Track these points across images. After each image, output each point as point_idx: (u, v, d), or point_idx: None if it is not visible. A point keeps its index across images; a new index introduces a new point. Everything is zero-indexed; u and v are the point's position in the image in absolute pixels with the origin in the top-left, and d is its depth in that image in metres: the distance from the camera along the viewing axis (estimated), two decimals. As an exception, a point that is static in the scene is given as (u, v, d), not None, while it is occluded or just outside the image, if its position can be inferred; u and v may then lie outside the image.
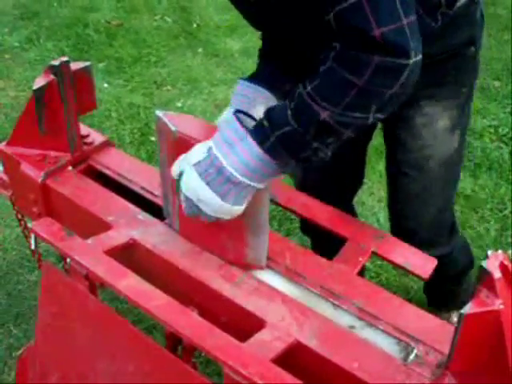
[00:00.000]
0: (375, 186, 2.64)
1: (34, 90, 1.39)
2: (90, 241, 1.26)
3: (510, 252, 2.34)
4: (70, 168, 1.51)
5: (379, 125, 1.55)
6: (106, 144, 1.59)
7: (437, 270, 1.32)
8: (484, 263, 0.92)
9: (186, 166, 1.11)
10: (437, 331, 1.13)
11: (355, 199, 1.91)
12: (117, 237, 1.30)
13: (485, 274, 0.92)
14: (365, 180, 2.53)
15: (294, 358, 1.09)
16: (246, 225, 1.20)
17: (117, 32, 3.89)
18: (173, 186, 1.23)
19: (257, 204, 1.16)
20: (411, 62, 0.96)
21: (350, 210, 1.68)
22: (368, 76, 0.97)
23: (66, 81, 1.42)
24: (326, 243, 1.44)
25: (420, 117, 1.37)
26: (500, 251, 0.94)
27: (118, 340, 1.22)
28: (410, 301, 2.05)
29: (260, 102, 1.26)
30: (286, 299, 1.18)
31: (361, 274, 1.36)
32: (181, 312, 1.12)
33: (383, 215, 2.51)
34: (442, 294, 1.93)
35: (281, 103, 1.09)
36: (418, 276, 1.31)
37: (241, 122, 1.08)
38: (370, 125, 1.08)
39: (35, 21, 3.99)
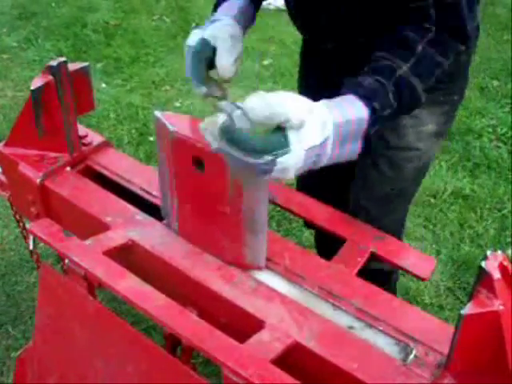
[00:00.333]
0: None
1: (32, 91, 1.39)
2: (88, 241, 1.26)
3: (509, 251, 2.34)
4: (68, 168, 1.50)
5: None
6: (105, 144, 1.59)
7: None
8: (483, 264, 0.92)
9: (294, 144, 1.01)
10: (436, 332, 1.12)
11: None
12: (115, 237, 1.29)
13: (484, 274, 0.92)
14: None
15: (293, 358, 1.08)
16: (244, 224, 1.19)
17: (115, 32, 3.89)
18: (171, 185, 1.23)
19: (255, 203, 1.16)
20: None
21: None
22: (451, 59, 1.14)
23: (64, 81, 1.42)
24: (329, 238, 1.42)
25: (408, 118, 1.36)
26: (499, 251, 0.94)
27: (117, 341, 1.21)
28: (409, 301, 2.06)
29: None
30: (285, 300, 1.18)
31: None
32: (180, 313, 1.12)
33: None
34: None
35: (372, 87, 1.07)
36: (417, 276, 1.31)
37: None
38: None
39: (33, 21, 3.99)
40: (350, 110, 1.02)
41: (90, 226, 1.36)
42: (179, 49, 3.69)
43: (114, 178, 1.51)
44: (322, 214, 1.41)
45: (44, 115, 1.43)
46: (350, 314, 1.17)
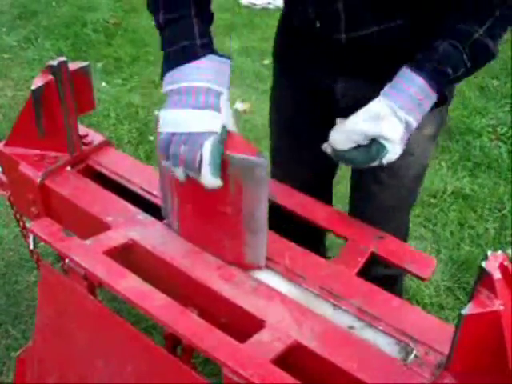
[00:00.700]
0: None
1: (32, 90, 1.39)
2: (88, 241, 1.26)
3: (509, 251, 2.34)
4: (68, 168, 1.50)
5: None
6: (105, 144, 1.59)
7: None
8: (484, 264, 0.92)
9: (388, 144, 1.13)
10: (436, 331, 1.13)
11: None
12: (116, 237, 1.29)
13: (484, 274, 0.92)
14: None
15: (293, 358, 1.08)
16: (244, 224, 1.19)
17: (115, 31, 3.89)
18: (172, 185, 1.23)
19: (255, 202, 1.16)
20: None
21: (327, 195, 1.69)
22: None
23: (65, 81, 1.42)
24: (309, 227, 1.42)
25: None
26: (500, 251, 0.94)
27: (117, 340, 1.21)
28: (409, 301, 2.06)
29: None
30: (285, 300, 1.18)
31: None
32: (180, 313, 1.12)
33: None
34: None
35: (444, 50, 1.14)
36: (417, 276, 1.31)
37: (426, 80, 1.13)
38: None
39: (33, 20, 3.98)
40: (411, 88, 1.12)
41: (91, 226, 1.36)
42: (179, 48, 3.70)
43: (115, 177, 1.51)
44: (322, 213, 1.41)
45: (44, 115, 1.43)
46: (350, 314, 1.17)
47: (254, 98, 3.24)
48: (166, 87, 1.15)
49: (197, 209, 1.24)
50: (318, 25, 1.29)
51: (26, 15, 4.04)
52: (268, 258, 1.27)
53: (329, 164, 1.54)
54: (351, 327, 1.15)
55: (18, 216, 1.70)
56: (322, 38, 1.31)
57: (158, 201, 1.42)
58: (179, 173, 1.11)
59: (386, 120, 1.11)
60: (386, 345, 1.11)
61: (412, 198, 1.58)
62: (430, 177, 2.73)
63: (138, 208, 1.40)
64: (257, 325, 1.12)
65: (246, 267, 1.25)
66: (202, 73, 1.12)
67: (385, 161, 1.15)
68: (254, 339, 1.08)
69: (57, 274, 1.31)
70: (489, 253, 0.94)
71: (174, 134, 1.10)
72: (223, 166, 1.10)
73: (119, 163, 1.55)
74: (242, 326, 1.15)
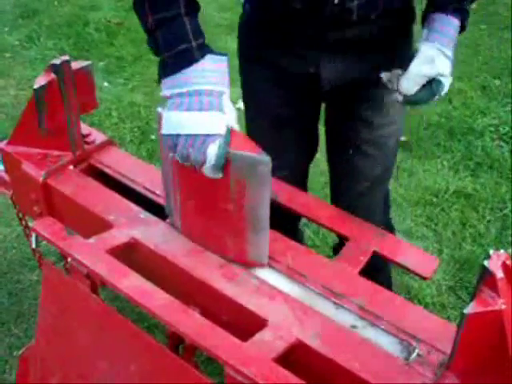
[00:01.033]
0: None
1: (35, 89, 1.39)
2: (91, 240, 1.26)
3: (510, 251, 2.34)
4: (71, 167, 1.51)
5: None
6: (108, 143, 1.59)
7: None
8: (486, 263, 0.92)
9: (444, 79, 1.29)
10: (439, 330, 1.13)
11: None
12: (118, 236, 1.30)
13: (487, 273, 0.92)
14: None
15: (295, 357, 1.09)
16: (247, 222, 1.20)
17: (117, 31, 3.89)
18: (174, 182, 1.23)
19: (257, 200, 1.16)
20: None
21: (303, 180, 1.72)
22: None
23: (67, 80, 1.42)
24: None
25: (388, 94, 1.42)
26: (502, 251, 0.94)
27: (120, 339, 1.22)
28: (411, 300, 2.06)
29: None
30: (287, 298, 1.18)
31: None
32: (182, 311, 1.12)
33: (384, 214, 2.51)
34: None
35: None
36: (419, 275, 1.31)
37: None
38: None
39: (36, 19, 3.99)
40: (445, 27, 1.29)
41: (93, 225, 1.37)
42: (181, 48, 3.70)
43: (117, 176, 1.51)
44: (324, 212, 1.41)
45: (47, 114, 1.43)
46: (352, 313, 1.17)
47: (256, 97, 3.24)
48: (168, 91, 1.17)
49: (199, 206, 1.25)
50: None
51: (28, 14, 4.04)
52: (270, 257, 1.27)
53: (311, 148, 1.65)
54: (353, 326, 1.15)
55: (20, 215, 1.70)
56: (307, 14, 1.32)
57: (160, 200, 1.42)
58: (187, 165, 1.14)
59: (438, 60, 1.27)
60: (388, 344, 1.12)
61: (393, 167, 1.65)
62: (432, 176, 2.73)
63: (140, 207, 1.40)
64: (259, 323, 1.12)
65: (249, 265, 1.25)
66: (204, 75, 1.13)
67: (442, 94, 1.31)
68: (256, 338, 1.08)
69: (59, 272, 1.32)
70: (491, 252, 0.94)
71: (178, 136, 1.12)
72: (227, 163, 1.12)
73: (122, 162, 1.55)
74: (245, 324, 1.15)
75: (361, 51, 1.37)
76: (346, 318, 1.16)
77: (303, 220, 1.76)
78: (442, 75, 1.28)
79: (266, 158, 1.12)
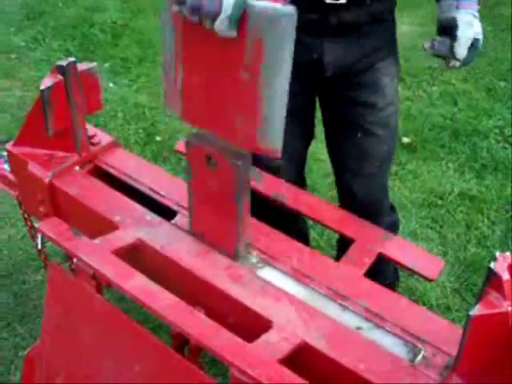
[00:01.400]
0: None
1: (42, 90, 1.39)
2: (97, 241, 1.27)
3: (515, 253, 2.33)
4: (77, 168, 1.51)
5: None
6: (113, 144, 1.60)
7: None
8: (492, 265, 0.92)
9: (480, 36, 1.44)
10: (444, 332, 1.13)
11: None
12: (124, 237, 1.30)
13: (493, 275, 0.92)
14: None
15: (300, 358, 1.09)
16: (261, 94, 1.02)
17: (122, 32, 3.90)
18: (177, 55, 1.10)
19: (277, 65, 0.99)
20: None
21: (302, 169, 1.77)
22: None
23: (73, 81, 1.43)
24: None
25: (384, 77, 1.56)
26: (508, 253, 0.94)
27: (125, 340, 1.22)
28: (416, 302, 2.06)
29: None
30: (293, 300, 1.18)
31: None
32: (188, 312, 1.12)
33: (389, 216, 2.51)
34: None
35: None
36: (424, 277, 1.31)
37: None
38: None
39: (41, 21, 4.00)
40: None
41: (99, 226, 1.37)
42: (186, 49, 3.71)
43: (123, 177, 1.52)
44: (330, 214, 1.41)
45: (53, 115, 1.44)
46: (357, 315, 1.17)
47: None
48: None
49: (205, 79, 1.09)
50: None
51: (34, 16, 4.05)
52: (275, 259, 1.28)
53: (309, 137, 1.72)
54: (359, 328, 1.15)
55: (25, 215, 1.70)
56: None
57: (165, 201, 1.42)
58: (194, 20, 1.03)
59: (475, 23, 1.44)
60: (394, 346, 1.11)
61: (396, 147, 1.75)
62: (437, 178, 2.72)
63: (145, 208, 1.40)
64: (264, 325, 1.12)
65: (259, 151, 1.09)
66: None
67: (480, 48, 1.46)
68: (261, 339, 1.08)
69: (65, 273, 1.32)
70: (497, 254, 0.94)
71: None
72: (242, 19, 0.98)
73: (127, 163, 1.56)
74: (250, 326, 1.15)
75: (358, 35, 1.49)
76: (351, 320, 1.16)
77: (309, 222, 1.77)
78: (478, 34, 1.45)
79: (290, 10, 0.96)
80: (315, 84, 1.60)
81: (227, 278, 1.22)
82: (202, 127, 1.16)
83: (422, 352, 1.09)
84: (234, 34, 1.00)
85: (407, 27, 3.75)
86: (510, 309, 0.91)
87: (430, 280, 1.32)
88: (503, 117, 3.14)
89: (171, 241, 1.30)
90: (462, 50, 1.44)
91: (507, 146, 2.96)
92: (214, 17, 0.99)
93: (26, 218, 1.72)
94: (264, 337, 1.09)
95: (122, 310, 1.24)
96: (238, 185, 1.16)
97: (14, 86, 3.36)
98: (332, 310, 1.18)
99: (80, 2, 4.23)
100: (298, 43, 1.41)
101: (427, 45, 1.45)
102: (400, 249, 1.34)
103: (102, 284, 1.25)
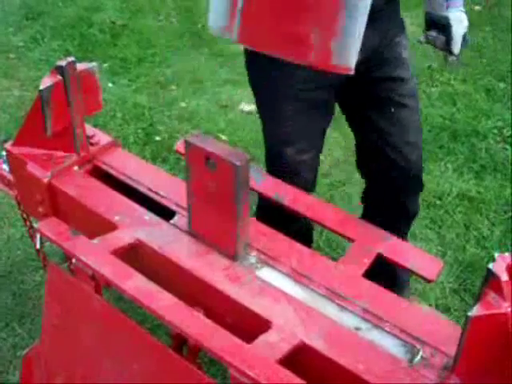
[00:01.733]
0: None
1: (41, 90, 1.39)
2: (95, 241, 1.27)
3: (514, 253, 2.33)
4: (75, 168, 1.51)
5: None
6: (112, 144, 1.60)
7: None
8: (491, 266, 0.92)
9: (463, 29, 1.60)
10: (443, 333, 1.13)
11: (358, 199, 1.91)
12: (123, 237, 1.30)
13: (492, 276, 0.92)
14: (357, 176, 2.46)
15: (299, 359, 1.09)
16: (341, 3, 1.01)
17: (121, 32, 3.90)
18: None
19: None
20: None
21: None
22: None
23: (72, 81, 1.43)
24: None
25: (403, 51, 1.67)
26: (507, 254, 0.94)
27: (124, 340, 1.22)
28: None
29: None
30: (291, 300, 1.18)
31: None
32: (186, 312, 1.12)
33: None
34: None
35: None
36: (423, 278, 1.31)
37: None
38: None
39: (40, 20, 4.00)
40: None
41: (98, 226, 1.37)
42: (185, 49, 3.70)
43: (122, 177, 1.52)
44: (330, 215, 1.41)
45: (52, 115, 1.44)
46: (356, 315, 1.17)
47: (260, 99, 3.24)
48: None
49: None
50: None
51: (33, 15, 4.05)
52: (274, 259, 1.28)
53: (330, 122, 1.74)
54: (357, 328, 1.15)
55: (24, 215, 1.70)
56: None
57: (164, 201, 1.42)
58: None
59: (463, 19, 1.59)
60: (392, 346, 1.12)
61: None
62: (436, 179, 2.72)
63: (144, 208, 1.40)
64: (263, 325, 1.12)
65: (332, 69, 1.08)
66: None
67: (469, 39, 1.63)
68: (260, 340, 1.08)
69: (63, 273, 1.32)
70: (496, 255, 0.94)
71: None
72: None
73: (126, 163, 1.56)
74: (249, 326, 1.15)
75: (379, 14, 1.48)
76: (350, 320, 1.16)
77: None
78: (466, 27, 1.60)
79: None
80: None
81: (226, 279, 1.22)
82: (265, 49, 1.13)
83: (421, 352, 1.09)
84: None
85: (407, 27, 3.74)
86: (508, 310, 0.91)
87: (429, 281, 1.32)
88: (502, 117, 3.14)
89: (170, 241, 1.30)
90: (457, 47, 1.59)
91: (506, 146, 2.96)
92: None
93: (24, 218, 1.72)
94: (263, 337, 1.09)
95: (121, 310, 1.24)
96: (236, 185, 1.16)
97: (12, 85, 3.36)
98: (331, 310, 1.18)
99: (79, 2, 4.22)
100: None
101: (422, 38, 1.63)
102: (399, 249, 1.34)
103: (100, 284, 1.25)
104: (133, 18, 4.07)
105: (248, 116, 3.12)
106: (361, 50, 1.46)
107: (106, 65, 3.54)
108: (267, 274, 1.25)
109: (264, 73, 1.58)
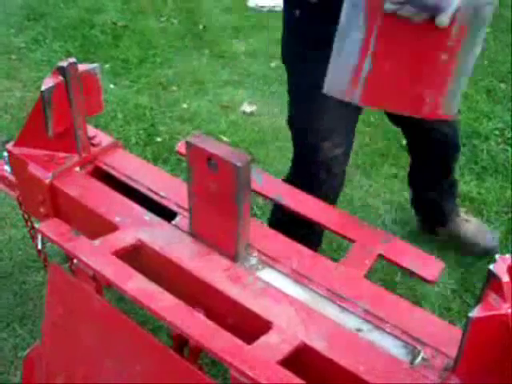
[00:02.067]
0: (381, 188, 2.63)
1: (42, 91, 1.40)
2: (97, 242, 1.27)
3: (515, 255, 2.33)
4: (77, 169, 1.51)
5: None
6: (114, 145, 1.60)
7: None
8: (492, 267, 0.92)
9: None
10: (444, 334, 1.13)
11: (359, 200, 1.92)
12: (124, 238, 1.30)
13: (493, 277, 0.92)
14: (371, 182, 2.54)
15: (300, 360, 1.09)
16: (454, 69, 1.20)
17: (123, 33, 3.90)
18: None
19: (473, 45, 1.18)
20: None
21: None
22: None
23: (74, 82, 1.43)
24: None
25: None
26: (508, 255, 0.94)
27: (125, 341, 1.22)
28: (416, 303, 2.06)
29: None
30: (292, 301, 1.18)
31: None
32: (187, 313, 1.12)
33: (389, 217, 2.51)
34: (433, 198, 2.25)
35: None
36: (424, 279, 1.31)
37: None
38: None
39: (42, 22, 4.00)
40: None
41: (99, 227, 1.37)
42: (187, 50, 3.70)
43: (123, 178, 1.52)
44: (331, 216, 1.41)
45: (53, 116, 1.44)
46: (357, 316, 1.17)
47: (261, 100, 3.24)
48: None
49: (397, 65, 1.23)
50: None
51: (35, 16, 4.05)
52: (275, 260, 1.28)
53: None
54: (359, 329, 1.15)
55: (26, 216, 1.71)
56: None
57: (165, 202, 1.42)
58: (418, 18, 1.17)
59: None
60: (393, 347, 1.12)
61: None
62: (437, 180, 2.73)
63: (145, 209, 1.40)
64: (264, 326, 1.12)
65: (440, 118, 1.28)
66: None
67: None
68: (261, 341, 1.08)
69: (65, 274, 1.32)
70: (497, 256, 0.94)
71: None
72: None
73: (127, 164, 1.56)
74: (250, 327, 1.15)
75: None
76: (351, 321, 1.16)
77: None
78: None
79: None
80: None
81: (227, 279, 1.22)
82: (383, 106, 1.35)
83: (422, 353, 1.09)
84: (448, 23, 1.15)
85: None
86: (509, 311, 0.91)
87: (430, 281, 1.32)
88: (503, 119, 3.14)
89: (171, 242, 1.31)
90: None
91: (507, 148, 2.96)
92: (439, 11, 1.14)
93: (26, 219, 1.72)
94: (263, 338, 1.09)
95: (122, 311, 1.24)
96: (238, 186, 1.17)
97: (14, 86, 3.36)
98: (332, 311, 1.18)
99: (80, 3, 4.23)
100: None
101: None
102: (400, 250, 1.34)
103: (101, 285, 1.25)
104: (134, 19, 4.07)
105: (249, 117, 3.12)
106: None
107: (107, 66, 3.54)
108: (268, 275, 1.26)
109: (307, 65, 1.64)
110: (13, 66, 3.56)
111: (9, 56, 3.65)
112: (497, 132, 3.05)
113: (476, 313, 0.92)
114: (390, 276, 2.24)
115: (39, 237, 1.69)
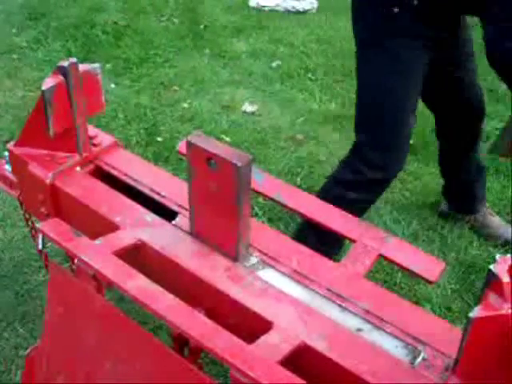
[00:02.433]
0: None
1: (43, 91, 1.40)
2: (97, 241, 1.27)
3: (516, 255, 2.33)
4: (78, 169, 1.51)
5: None
6: (114, 145, 1.60)
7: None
8: (492, 267, 0.92)
9: None
10: (444, 334, 1.13)
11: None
12: (125, 238, 1.30)
13: (493, 277, 0.92)
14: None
15: (301, 360, 1.09)
16: None
17: (124, 33, 3.91)
18: None
19: None
20: None
21: None
22: None
23: (75, 82, 1.43)
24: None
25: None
26: (508, 255, 0.94)
27: (125, 341, 1.22)
28: (417, 303, 2.06)
29: None
30: (293, 301, 1.18)
31: None
32: (188, 313, 1.12)
33: (389, 217, 2.51)
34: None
35: None
36: (425, 279, 1.31)
37: None
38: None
39: (43, 21, 4.01)
40: None
41: (100, 226, 1.37)
42: (188, 49, 3.70)
43: (124, 178, 1.52)
44: (331, 216, 1.41)
45: (54, 115, 1.44)
46: (358, 316, 1.17)
47: (262, 100, 3.24)
48: None
49: None
50: None
51: (36, 16, 4.06)
52: (276, 260, 1.28)
53: None
54: (359, 329, 1.15)
55: (27, 216, 1.71)
56: None
57: (166, 201, 1.42)
58: None
59: None
60: (394, 347, 1.11)
61: None
62: (438, 180, 2.72)
63: (146, 208, 1.40)
64: (264, 326, 1.12)
65: None
66: None
67: None
68: (261, 340, 1.08)
69: (66, 273, 1.32)
70: (497, 256, 0.93)
71: None
72: None
73: (128, 164, 1.56)
74: (250, 327, 1.15)
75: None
76: (351, 321, 1.16)
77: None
78: None
79: None
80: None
81: (227, 279, 1.22)
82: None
83: (422, 354, 1.09)
84: None
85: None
86: (509, 311, 0.91)
87: (431, 282, 1.32)
88: (505, 118, 3.13)
89: (172, 242, 1.31)
90: None
91: (508, 147, 2.95)
92: None
93: (27, 219, 1.72)
94: (264, 338, 1.09)
95: (123, 311, 1.24)
96: (238, 186, 1.17)
97: (15, 86, 3.37)
98: (332, 311, 1.18)
99: (82, 3, 4.24)
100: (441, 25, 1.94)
101: None
102: (401, 250, 1.34)
103: (102, 284, 1.25)
104: (135, 18, 4.08)
105: (250, 117, 3.12)
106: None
107: (108, 65, 3.55)
108: (269, 275, 1.25)
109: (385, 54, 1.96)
110: (14, 65, 3.57)
111: (10, 55, 3.66)
112: (498, 132, 3.05)
113: (476, 313, 0.92)
114: (390, 276, 2.24)
115: (40, 236, 1.69)
